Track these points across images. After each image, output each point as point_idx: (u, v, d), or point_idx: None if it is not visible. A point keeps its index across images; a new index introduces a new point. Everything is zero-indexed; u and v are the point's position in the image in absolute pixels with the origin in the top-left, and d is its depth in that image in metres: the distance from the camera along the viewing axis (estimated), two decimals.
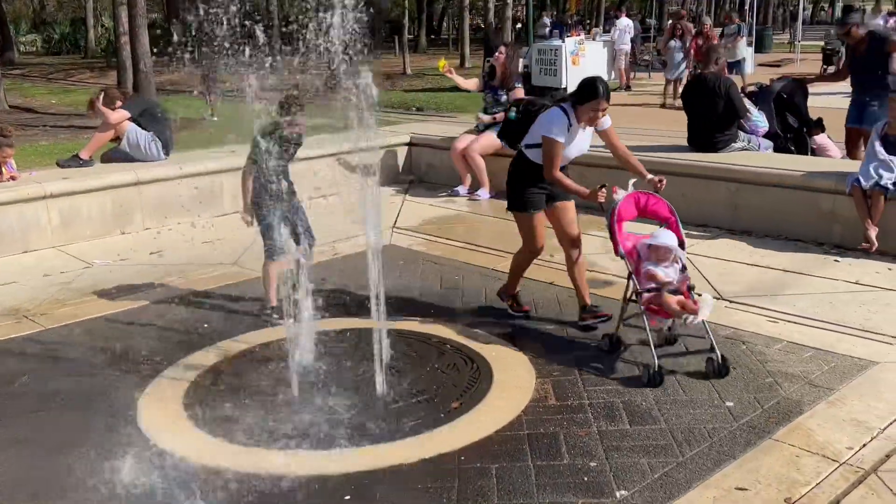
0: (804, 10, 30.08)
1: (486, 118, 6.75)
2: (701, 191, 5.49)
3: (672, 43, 13.58)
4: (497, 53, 6.82)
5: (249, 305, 4.19)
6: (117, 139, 6.07)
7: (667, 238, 3.39)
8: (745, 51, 14.44)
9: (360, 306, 3.90)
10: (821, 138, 6.42)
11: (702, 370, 3.24)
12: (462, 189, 6.77)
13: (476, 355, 3.54)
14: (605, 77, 14.77)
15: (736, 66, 13.03)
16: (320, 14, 3.07)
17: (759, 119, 6.14)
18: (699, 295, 3.29)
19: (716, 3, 30.44)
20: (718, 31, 14.74)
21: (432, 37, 36.31)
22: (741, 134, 5.97)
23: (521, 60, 10.42)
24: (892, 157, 4.78)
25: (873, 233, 4.68)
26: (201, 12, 3.26)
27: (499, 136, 4.08)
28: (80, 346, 3.75)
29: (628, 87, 15.30)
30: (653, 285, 3.31)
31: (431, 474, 2.61)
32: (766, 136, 6.20)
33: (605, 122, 3.69)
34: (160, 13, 27.76)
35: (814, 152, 6.31)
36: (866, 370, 3.24)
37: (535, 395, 3.13)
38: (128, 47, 12.36)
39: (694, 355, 3.38)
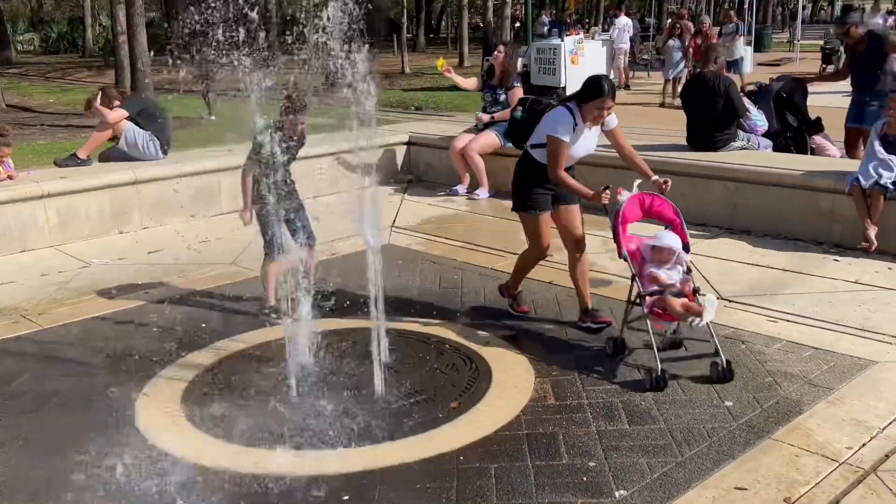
0: (804, 8, 30.10)
1: (485, 117, 6.74)
2: (700, 190, 5.49)
3: (671, 42, 13.58)
4: (496, 52, 6.81)
5: (248, 305, 4.18)
6: (115, 138, 6.06)
7: (669, 239, 3.36)
8: (742, 50, 14.44)
9: (358, 306, 3.90)
10: (819, 138, 6.42)
11: (705, 374, 3.20)
12: (461, 188, 6.76)
13: (475, 355, 3.53)
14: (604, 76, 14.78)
15: (734, 64, 13.04)
16: (319, 13, 3.07)
17: (758, 118, 6.14)
18: (703, 296, 3.24)
19: (715, 2, 30.46)
20: (717, 29, 14.75)
21: (431, 36, 36.28)
22: (740, 133, 5.97)
23: (520, 59, 10.41)
24: (891, 157, 4.78)
25: (873, 232, 4.68)
26: (199, 11, 3.25)
27: (505, 136, 4.05)
28: (78, 346, 3.74)
29: (627, 87, 15.30)
30: (655, 288, 3.28)
31: (430, 474, 2.60)
32: (766, 135, 6.19)
33: (612, 121, 3.65)
34: (158, 12, 27.72)
35: (813, 152, 6.31)
36: (866, 370, 3.24)
37: (534, 395, 3.13)
38: (126, 46, 12.34)
39: (698, 359, 3.33)
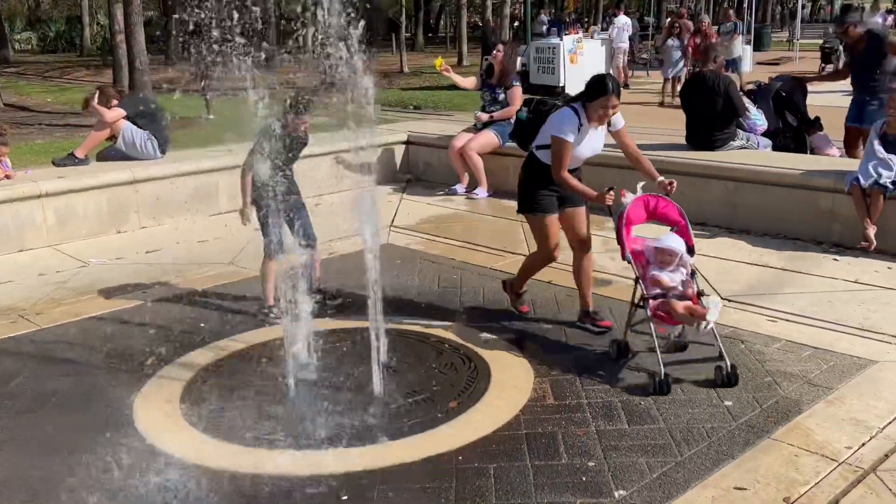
0: (803, 7, 30.09)
1: (484, 116, 6.73)
2: (699, 189, 5.48)
3: (670, 41, 13.58)
4: (495, 51, 6.80)
5: (246, 305, 4.18)
6: (113, 138, 6.05)
7: (672, 241, 3.31)
8: (741, 49, 14.44)
9: (357, 306, 3.89)
10: (818, 137, 6.42)
11: (710, 378, 3.16)
12: (460, 188, 6.75)
13: (474, 355, 3.53)
14: None
15: (732, 64, 13.04)
16: (318, 12, 3.06)
17: (757, 117, 6.13)
18: (707, 296, 3.20)
19: (714, 0, 30.44)
20: (716, 28, 14.74)
21: (430, 35, 36.26)
22: (740, 132, 5.96)
23: (519, 59, 10.42)
24: (891, 156, 4.78)
25: (872, 231, 4.68)
26: (195, 10, 3.24)
27: (504, 135, 4.02)
28: (77, 346, 3.73)
29: (626, 86, 15.29)
30: (658, 291, 3.24)
31: (429, 474, 2.60)
32: (765, 134, 6.19)
33: (618, 121, 3.62)
34: (156, 11, 27.69)
35: (813, 151, 6.31)
36: (865, 369, 3.23)
37: (534, 395, 3.12)
38: (124, 45, 12.33)
39: (702, 363, 3.28)
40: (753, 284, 4.33)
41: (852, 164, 5.17)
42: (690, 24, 14.16)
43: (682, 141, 6.11)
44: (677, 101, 8.74)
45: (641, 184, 3.53)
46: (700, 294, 3.24)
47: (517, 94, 6.66)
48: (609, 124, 3.61)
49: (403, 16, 24.90)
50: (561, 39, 15.12)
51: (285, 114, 3.81)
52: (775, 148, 6.15)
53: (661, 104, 12.71)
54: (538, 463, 2.64)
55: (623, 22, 15.96)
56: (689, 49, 12.92)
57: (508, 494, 2.47)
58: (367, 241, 3.31)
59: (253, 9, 3.22)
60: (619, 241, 3.39)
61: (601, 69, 15.35)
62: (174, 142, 6.41)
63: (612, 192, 3.41)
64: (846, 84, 6.40)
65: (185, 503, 2.49)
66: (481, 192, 6.62)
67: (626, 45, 15.93)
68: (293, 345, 3.36)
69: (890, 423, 2.80)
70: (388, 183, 7.11)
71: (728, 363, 3.12)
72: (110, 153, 6.11)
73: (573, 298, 3.97)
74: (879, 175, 4.72)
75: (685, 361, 3.34)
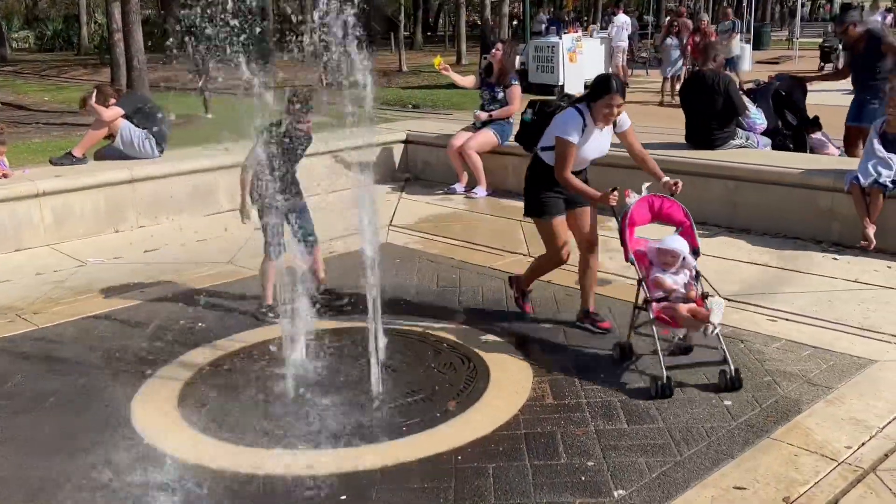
0: (802, 6, 30.06)
1: (483, 115, 6.72)
2: (699, 188, 5.46)
3: (669, 40, 13.58)
4: (494, 50, 6.79)
5: (245, 304, 4.17)
6: (111, 137, 6.04)
7: (675, 243, 3.27)
8: (739, 47, 14.44)
9: (356, 305, 3.88)
10: (818, 136, 6.41)
11: (714, 382, 3.12)
12: (459, 187, 6.74)
13: (473, 354, 3.52)
14: None
15: (730, 62, 13.04)
16: (316, 11, 3.04)
17: (757, 116, 6.12)
18: (711, 297, 3.16)
19: None
20: (714, 27, 14.74)
21: (428, 33, 36.23)
22: (739, 131, 5.95)
23: (518, 57, 10.40)
24: (891, 155, 4.77)
25: (871, 231, 4.67)
26: (193, 9, 3.23)
27: (515, 139, 3.97)
28: (74, 346, 3.72)
29: (626, 85, 15.30)
30: (660, 294, 3.19)
31: (428, 474, 2.59)
32: (765, 133, 6.18)
33: (625, 122, 3.58)
34: (154, 9, 27.65)
35: (812, 150, 6.30)
36: (865, 369, 3.23)
37: (533, 395, 3.11)
38: (121, 44, 12.30)
39: (706, 367, 3.25)
40: (753, 284, 4.32)
41: (852, 164, 5.16)
42: (690, 22, 14.16)
43: (682, 140, 6.10)
44: (677, 100, 8.74)
45: (647, 184, 3.48)
46: (705, 296, 3.19)
47: (516, 93, 6.66)
48: (615, 125, 3.56)
49: (402, 14, 24.88)
50: (560, 38, 15.11)
51: (288, 111, 3.79)
52: (775, 147, 6.14)
53: (661, 103, 12.71)
54: (537, 463, 2.63)
55: (622, 21, 15.96)
56: (688, 48, 12.92)
57: (507, 494, 2.47)
58: (366, 241, 3.30)
59: (251, 7, 3.20)
60: (623, 242, 3.34)
61: (600, 68, 15.37)
62: (172, 140, 6.40)
63: (615, 193, 3.37)
64: (846, 83, 6.39)
65: (184, 503, 2.48)
66: (480, 191, 6.61)
67: (625, 43, 15.93)
68: (292, 344, 3.35)
69: (889, 422, 2.80)
70: (387, 182, 7.10)
71: (732, 367, 3.08)
72: (108, 152, 6.09)
73: (572, 298, 3.97)
74: (879, 174, 4.71)
75: (688, 365, 3.30)
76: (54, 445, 2.84)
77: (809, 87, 6.69)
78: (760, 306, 3.95)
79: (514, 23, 25.54)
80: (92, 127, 6.07)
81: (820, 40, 18.76)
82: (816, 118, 6.45)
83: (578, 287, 3.84)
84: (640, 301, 3.31)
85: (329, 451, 2.75)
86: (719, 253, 4.87)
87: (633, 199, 3.39)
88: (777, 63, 18.12)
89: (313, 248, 4.08)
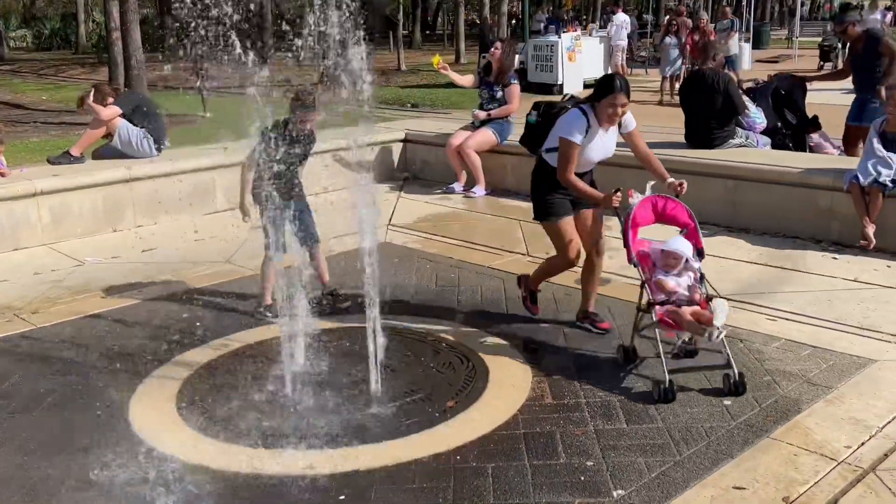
0: (802, 5, 30.05)
1: (482, 114, 6.71)
2: (698, 188, 5.43)
3: (668, 39, 13.57)
4: (493, 49, 6.78)
5: (243, 304, 4.16)
6: (109, 136, 6.02)
7: (677, 244, 3.24)
8: (737, 46, 14.44)
9: (354, 305, 3.87)
10: (817, 136, 6.40)
11: (717, 386, 3.09)
12: (457, 186, 6.73)
13: (472, 354, 3.51)
14: (602, 73, 14.78)
15: (728, 61, 13.04)
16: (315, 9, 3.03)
17: (756, 115, 6.12)
18: (716, 298, 3.13)
19: None
20: (713, 26, 14.74)
21: (427, 32, 36.21)
22: (739, 130, 5.95)
23: (516, 56, 10.39)
24: (890, 154, 4.77)
25: (871, 230, 4.67)
26: (192, 8, 3.21)
27: (520, 141, 3.93)
28: (72, 345, 3.71)
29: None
30: (663, 297, 3.16)
31: (427, 474, 2.58)
32: (764, 132, 6.18)
33: (630, 123, 3.55)
34: (152, 8, 27.61)
35: (811, 149, 6.30)
36: (865, 368, 3.22)
37: (532, 394, 3.11)
38: (119, 43, 12.28)
39: (709, 370, 3.22)
40: (752, 283, 4.32)
41: (851, 163, 5.16)
42: (689, 21, 14.16)
43: (682, 139, 6.10)
44: (676, 99, 8.73)
45: (651, 184, 3.45)
46: (709, 299, 3.16)
47: (515, 92, 6.65)
48: (620, 126, 3.53)
49: (401, 13, 24.87)
50: (559, 37, 15.10)
51: (291, 110, 3.77)
52: (774, 146, 6.14)
53: (660, 102, 12.70)
54: (536, 462, 2.62)
55: (621, 19, 15.96)
56: (687, 47, 12.92)
57: (506, 494, 2.46)
58: (365, 240, 3.29)
59: (250, 6, 3.19)
60: (626, 243, 3.29)
61: (599, 67, 15.38)
62: (170, 139, 6.38)
63: (618, 194, 3.34)
64: (845, 82, 6.39)
65: (181, 503, 2.47)
66: (479, 190, 6.60)
67: (624, 42, 15.92)
68: (290, 344, 3.34)
69: (889, 422, 2.80)
70: (386, 181, 7.09)
71: (736, 371, 3.04)
72: (106, 151, 6.08)
73: (572, 297, 3.96)
74: (879, 173, 4.71)
75: (691, 368, 3.26)
76: (53, 445, 2.83)
77: (809, 86, 6.69)
78: (760, 306, 3.94)
79: (513, 21, 25.55)
80: (90, 126, 6.06)
81: (819, 39, 18.76)
82: (815, 118, 6.45)
83: (578, 287, 3.84)
84: (644, 303, 3.28)
85: (328, 451, 2.74)
86: (719, 252, 4.86)
87: (636, 199, 3.34)
88: (776, 62, 18.12)
89: (315, 250, 4.07)
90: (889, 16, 16.79)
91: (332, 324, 3.75)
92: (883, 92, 5.56)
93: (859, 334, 3.56)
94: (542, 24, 20.29)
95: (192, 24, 3.29)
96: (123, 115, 5.95)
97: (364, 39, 3.07)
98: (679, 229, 3.41)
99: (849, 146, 6.15)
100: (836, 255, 4.73)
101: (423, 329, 3.79)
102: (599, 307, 3.81)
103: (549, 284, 4.26)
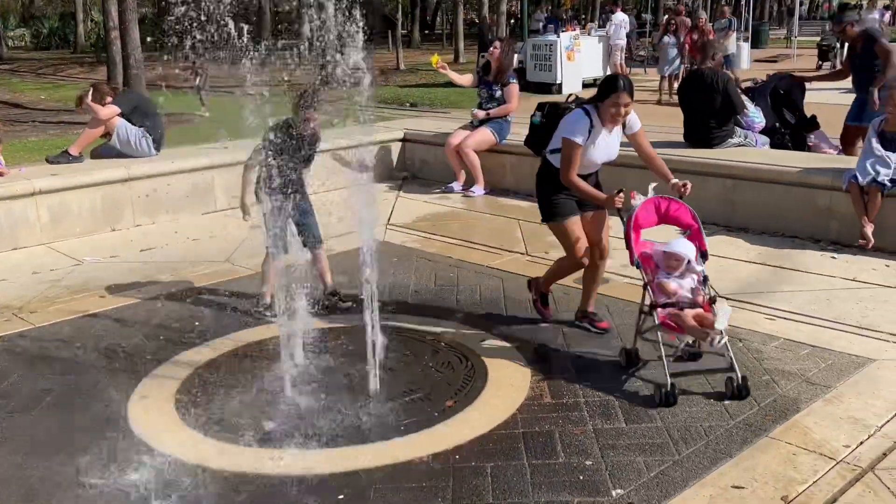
0: (801, 5, 30.04)
1: (481, 114, 6.71)
2: (697, 187, 5.40)
3: (666, 38, 13.57)
4: (492, 48, 6.78)
5: (242, 303, 4.15)
6: (107, 135, 6.01)
7: (680, 246, 3.20)
8: (734, 45, 14.43)
9: (353, 304, 3.87)
10: (815, 135, 6.41)
11: (720, 390, 3.06)
12: (456, 185, 6.73)
13: (471, 353, 3.51)
14: (601, 73, 14.80)
15: (727, 60, 13.03)
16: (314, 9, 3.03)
17: (755, 115, 6.12)
18: (719, 298, 3.11)
19: None
20: (711, 25, 14.74)
21: (426, 32, 36.17)
22: (738, 129, 5.95)
23: (515, 56, 10.39)
24: (889, 154, 4.77)
25: (870, 229, 4.67)
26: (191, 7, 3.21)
27: (524, 142, 3.91)
28: (71, 344, 3.71)
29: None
30: (665, 299, 3.14)
31: (426, 473, 2.58)
32: (763, 131, 6.18)
33: (635, 123, 3.53)
34: (151, 8, 27.58)
35: (810, 149, 6.30)
36: (863, 367, 3.22)
37: (531, 394, 3.11)
38: (118, 42, 12.27)
39: (711, 373, 3.20)
40: (751, 282, 4.32)
41: (850, 162, 5.16)
42: (688, 20, 14.15)
43: (680, 139, 6.10)
44: (675, 98, 8.74)
45: (653, 185, 3.42)
46: (713, 301, 3.14)
47: (514, 91, 6.65)
48: (625, 126, 3.51)
49: (399, 12, 24.85)
50: (558, 36, 15.10)
51: (295, 112, 3.75)
52: (773, 145, 6.14)
53: (659, 102, 12.71)
54: (535, 462, 2.63)
55: (620, 19, 15.95)
56: (686, 46, 12.92)
57: (505, 493, 2.46)
58: (364, 240, 3.29)
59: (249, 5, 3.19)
60: (628, 245, 3.27)
61: (598, 66, 15.39)
62: (169, 139, 6.37)
63: (621, 195, 3.32)
64: (843, 82, 6.39)
65: (182, 503, 2.47)
66: (478, 189, 6.60)
67: (623, 42, 15.92)
68: (290, 344, 3.34)
69: (888, 421, 2.80)
70: (385, 180, 7.09)
71: (739, 375, 3.01)
72: (104, 150, 6.07)
73: (570, 297, 3.96)
74: (877, 173, 4.71)
75: (693, 371, 3.24)
76: (52, 445, 2.82)
77: (808, 86, 6.69)
78: (759, 305, 3.94)
79: (512, 21, 25.52)
80: (88, 125, 6.05)
81: (818, 39, 18.76)
82: (814, 117, 6.45)
83: (578, 287, 3.83)
84: (646, 305, 3.26)
85: (327, 451, 2.74)
86: (717, 252, 4.85)
87: (638, 200, 3.31)
88: (775, 61, 18.12)
89: (317, 251, 4.06)
90: (888, 15, 16.79)
91: (331, 323, 3.75)
92: (876, 95, 5.59)
93: (858, 333, 3.57)
94: (540, 24, 20.27)
95: (190, 22, 3.29)
96: (122, 115, 5.94)
97: (364, 39, 3.07)
98: (682, 231, 3.38)
99: (847, 146, 6.15)
100: (835, 255, 4.74)
101: (422, 328, 3.79)
102: (598, 307, 3.81)
103: None
